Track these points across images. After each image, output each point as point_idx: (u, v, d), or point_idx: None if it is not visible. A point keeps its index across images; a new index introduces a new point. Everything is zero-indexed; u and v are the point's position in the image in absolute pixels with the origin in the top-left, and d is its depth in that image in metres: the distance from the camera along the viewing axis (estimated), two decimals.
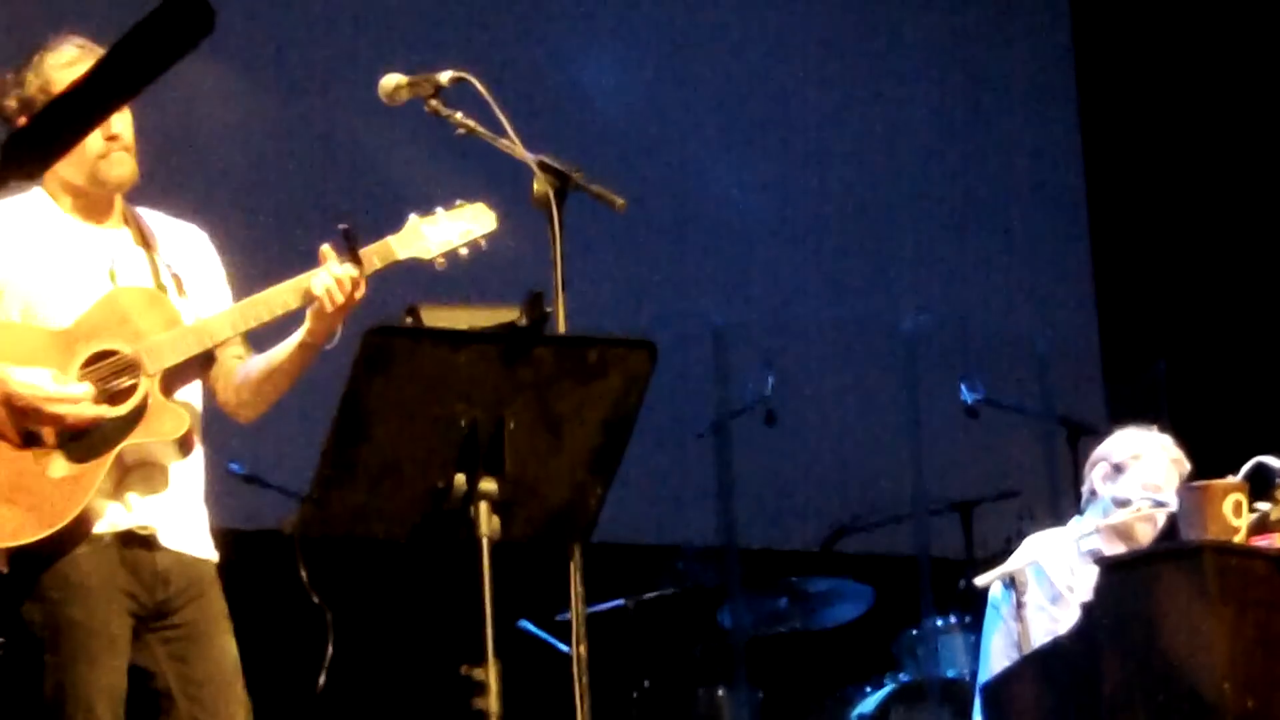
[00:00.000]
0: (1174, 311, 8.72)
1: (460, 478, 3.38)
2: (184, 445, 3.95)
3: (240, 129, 7.27)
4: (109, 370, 3.89)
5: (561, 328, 3.54)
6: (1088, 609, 4.69)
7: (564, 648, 6.13)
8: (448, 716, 3.72)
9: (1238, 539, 4.64)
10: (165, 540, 3.95)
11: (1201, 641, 4.43)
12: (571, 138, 7.41)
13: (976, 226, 8.87)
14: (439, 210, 4.09)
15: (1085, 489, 5.44)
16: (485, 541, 3.36)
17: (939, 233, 8.80)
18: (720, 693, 6.96)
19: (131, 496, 3.92)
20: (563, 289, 3.58)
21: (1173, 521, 5.03)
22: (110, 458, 3.86)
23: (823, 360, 8.32)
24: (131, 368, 3.89)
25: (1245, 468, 4.81)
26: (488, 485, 3.38)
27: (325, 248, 3.95)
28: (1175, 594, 4.51)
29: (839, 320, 8.38)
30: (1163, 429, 5.46)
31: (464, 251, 4.08)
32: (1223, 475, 4.79)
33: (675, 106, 8.39)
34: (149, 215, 4.17)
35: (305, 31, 7.55)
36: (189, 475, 4.02)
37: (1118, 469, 5.32)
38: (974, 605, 6.19)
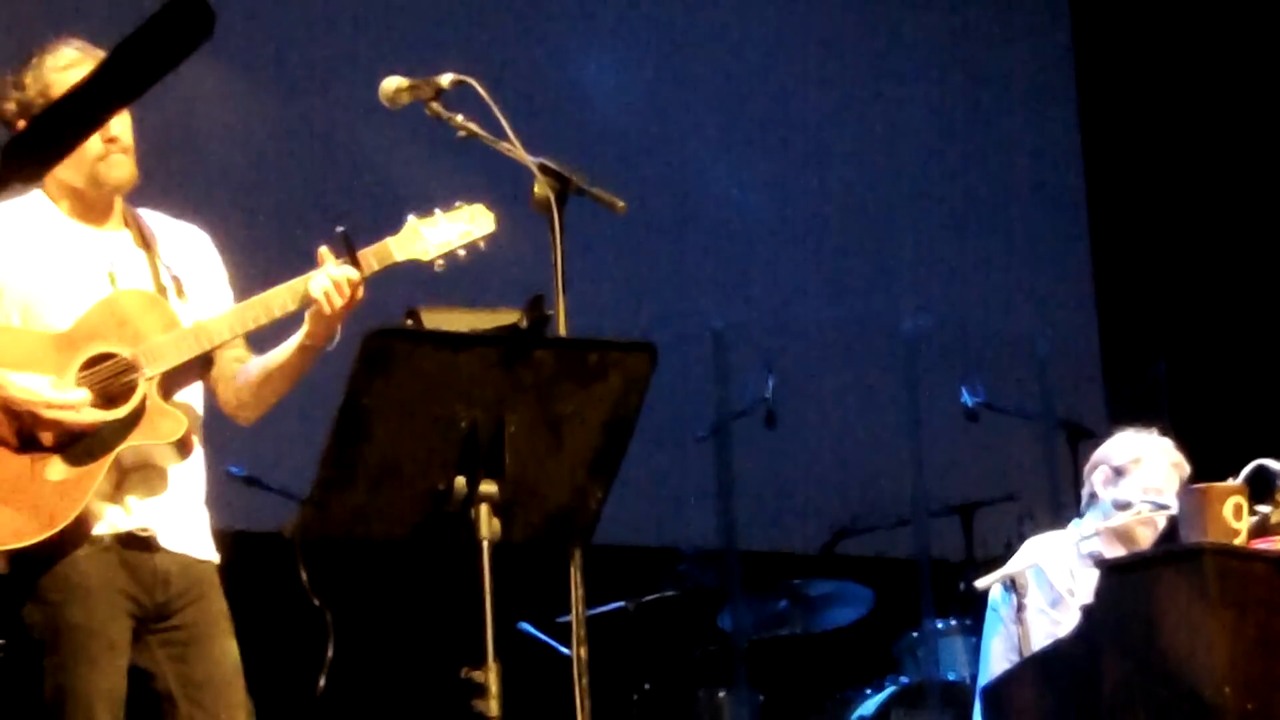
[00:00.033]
0: (1174, 312, 8.71)
1: (460, 480, 3.37)
2: (182, 447, 3.94)
3: (240, 129, 7.27)
4: (107, 373, 3.89)
5: (562, 330, 3.54)
6: (1088, 611, 4.69)
7: (564, 650, 6.13)
8: (448, 718, 3.71)
9: (1238, 542, 4.63)
10: (165, 542, 3.95)
11: (1202, 644, 4.43)
12: (571, 138, 7.41)
13: (976, 226, 8.87)
14: (437, 212, 4.08)
15: (1085, 492, 5.44)
16: (485, 543, 3.36)
17: (939, 233, 8.80)
18: (721, 695, 6.96)
19: (130, 499, 3.92)
20: (563, 291, 3.58)
21: (1173, 524, 5.03)
22: (108, 460, 3.86)
23: (823, 361, 8.32)
24: (130, 370, 3.89)
25: (1246, 470, 4.80)
26: (488, 487, 3.38)
27: (323, 250, 3.94)
28: (1176, 597, 4.51)
29: (839, 321, 8.38)
30: (1163, 431, 5.45)
31: (462, 253, 4.08)
32: (1223, 478, 4.78)
33: (675, 106, 8.39)
34: (150, 216, 4.16)
35: (305, 31, 7.55)
36: (189, 477, 4.02)
37: (1118, 472, 5.32)
38: (974, 608, 6.19)
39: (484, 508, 3.37)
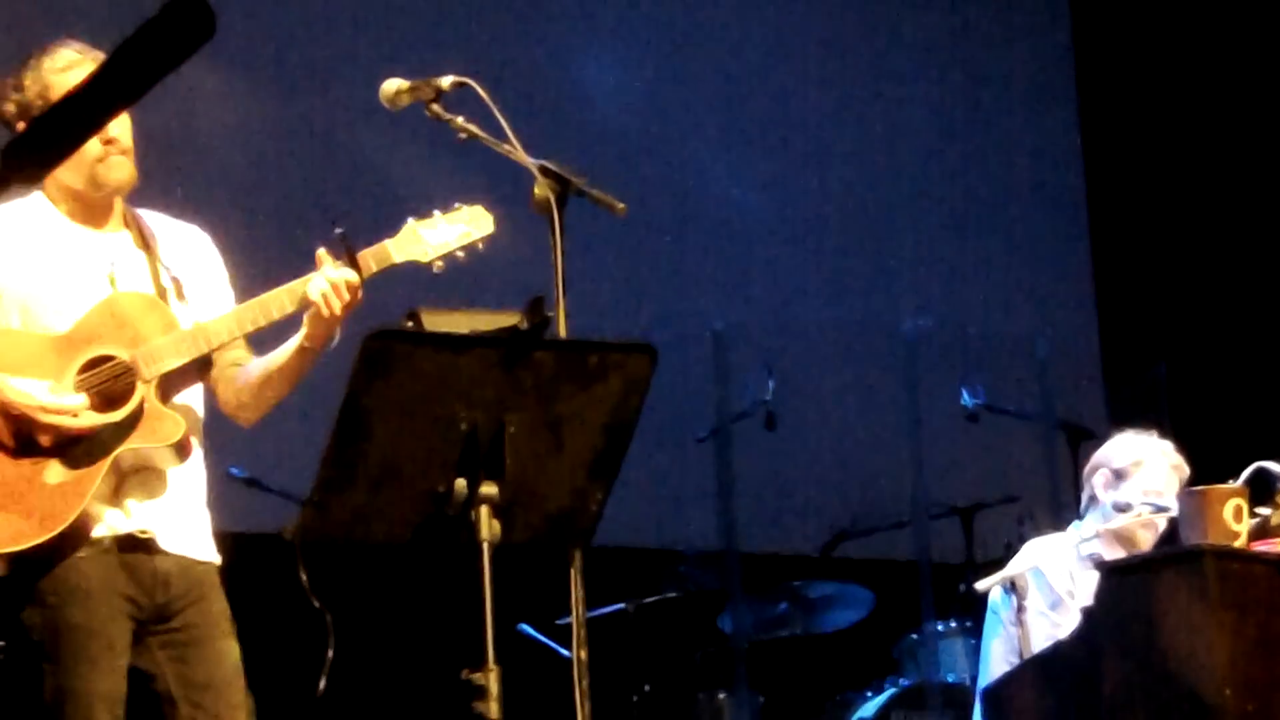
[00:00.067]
0: (1174, 313, 8.71)
1: (461, 481, 3.37)
2: (181, 450, 3.94)
3: (240, 129, 7.27)
4: (106, 375, 3.88)
5: (562, 331, 3.53)
6: (1088, 613, 4.69)
7: (564, 652, 6.12)
8: None
9: (1238, 544, 4.63)
10: (165, 544, 3.95)
11: (1202, 646, 4.43)
12: (571, 138, 7.41)
13: (976, 226, 8.86)
14: (436, 213, 4.07)
15: (1085, 494, 5.44)
16: (486, 545, 3.36)
17: (939, 233, 8.80)
18: (721, 697, 6.96)
19: (130, 501, 3.92)
20: (563, 293, 3.57)
21: (1173, 527, 5.03)
22: (107, 463, 3.85)
23: (823, 362, 8.31)
24: (128, 373, 3.89)
25: (1246, 472, 4.80)
26: (488, 489, 3.38)
27: (321, 251, 3.93)
28: (1176, 598, 4.51)
29: (839, 321, 8.38)
30: (1163, 432, 5.45)
31: (461, 255, 4.07)
32: (1223, 480, 4.79)
33: (675, 106, 8.39)
34: (151, 217, 4.15)
35: (305, 31, 7.54)
36: (189, 479, 4.02)
37: (1118, 475, 5.32)
38: (974, 609, 6.19)
39: (484, 509, 3.37)
